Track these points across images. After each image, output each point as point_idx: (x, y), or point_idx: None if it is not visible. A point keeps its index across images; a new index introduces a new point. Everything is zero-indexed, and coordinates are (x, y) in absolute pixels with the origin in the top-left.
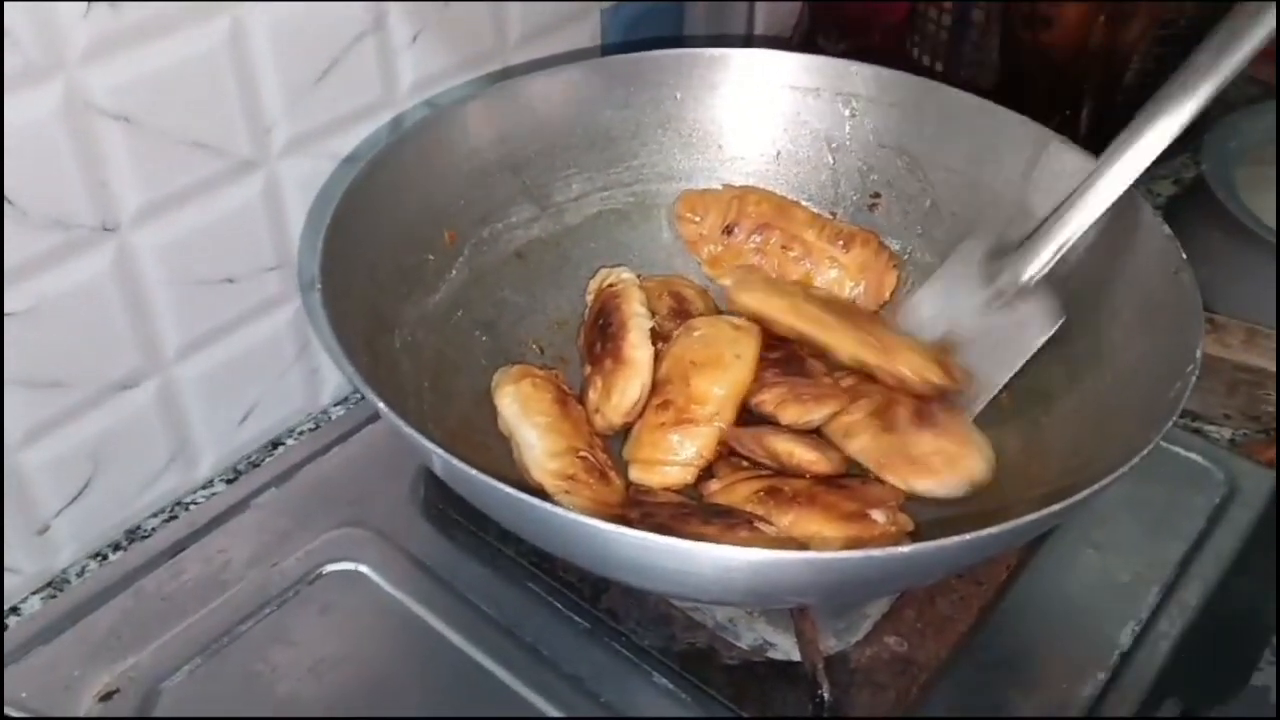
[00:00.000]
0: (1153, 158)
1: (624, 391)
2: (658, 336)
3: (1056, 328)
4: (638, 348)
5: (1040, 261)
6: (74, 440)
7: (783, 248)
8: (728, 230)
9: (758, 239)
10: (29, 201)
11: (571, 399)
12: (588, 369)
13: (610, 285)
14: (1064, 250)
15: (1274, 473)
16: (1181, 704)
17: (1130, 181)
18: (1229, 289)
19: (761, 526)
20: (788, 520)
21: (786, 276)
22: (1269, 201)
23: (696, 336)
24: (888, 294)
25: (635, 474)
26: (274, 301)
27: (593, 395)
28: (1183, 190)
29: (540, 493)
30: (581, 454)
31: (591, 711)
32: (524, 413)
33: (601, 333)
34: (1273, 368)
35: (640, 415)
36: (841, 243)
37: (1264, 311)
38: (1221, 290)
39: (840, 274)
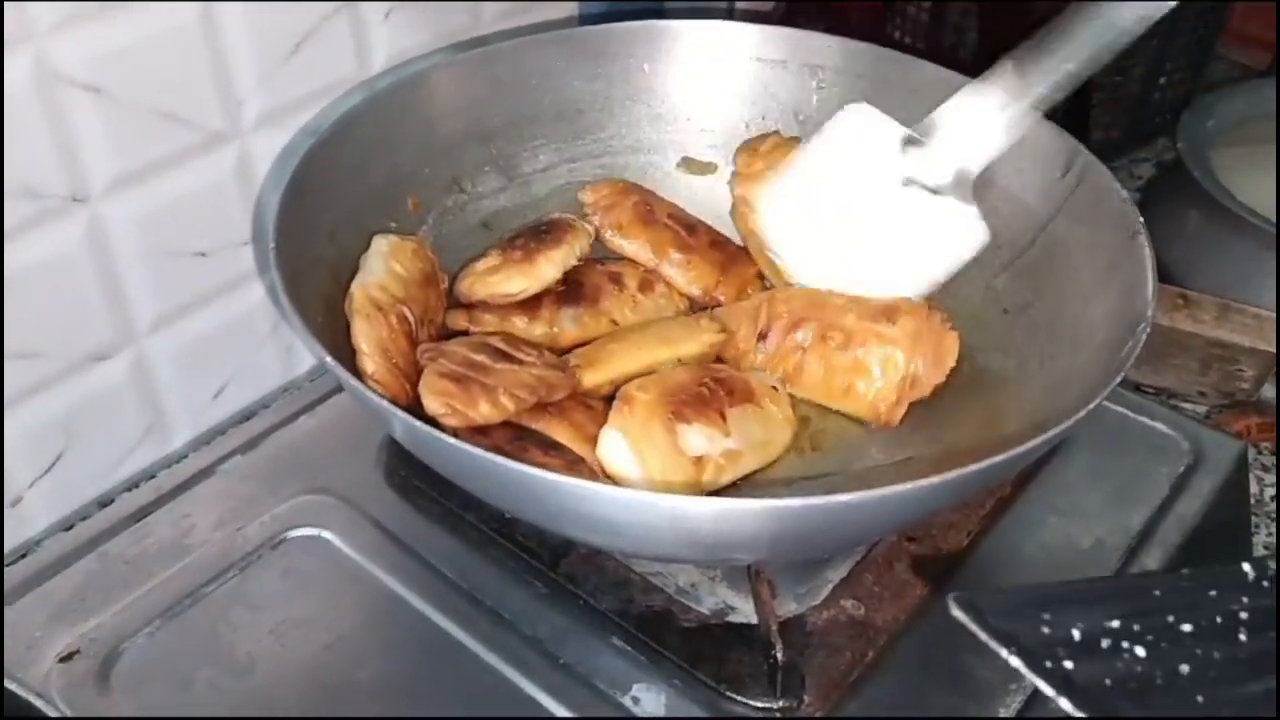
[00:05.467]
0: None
1: (507, 279)
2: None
3: (982, 246)
4: (551, 263)
5: (984, 152)
6: (46, 412)
7: (822, 338)
8: (761, 337)
9: (796, 338)
10: None
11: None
12: (495, 250)
13: (573, 218)
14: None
15: (1240, 442)
16: None
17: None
18: (1207, 268)
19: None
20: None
21: (835, 370)
22: (1246, 181)
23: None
24: (951, 360)
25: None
26: (248, 276)
27: (480, 264)
28: (1162, 171)
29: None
30: (404, 319)
31: (550, 672)
32: (390, 254)
33: (534, 233)
34: (1245, 342)
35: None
36: (885, 317)
37: (1242, 289)
38: (1200, 269)
39: (893, 350)
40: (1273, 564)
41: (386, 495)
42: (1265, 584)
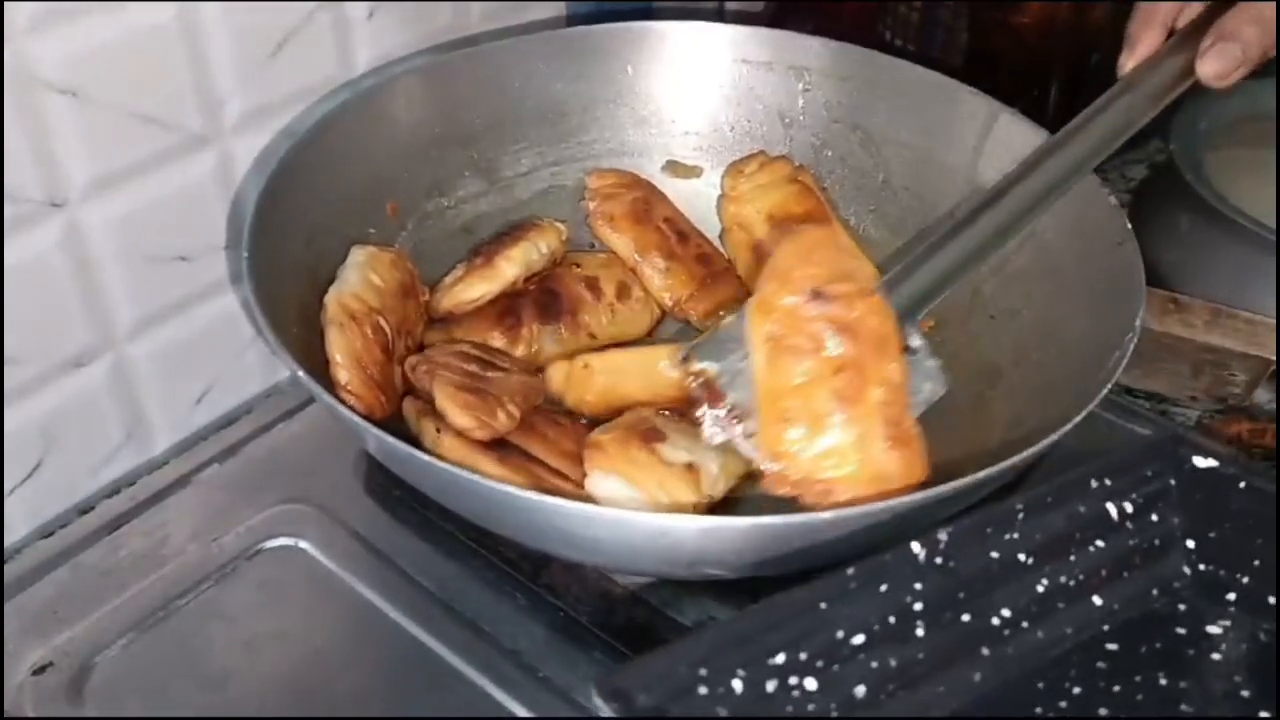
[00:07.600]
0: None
1: (468, 286)
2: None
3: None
4: (510, 261)
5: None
6: (25, 418)
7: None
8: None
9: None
10: None
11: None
12: (462, 263)
13: (541, 218)
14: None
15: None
16: None
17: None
18: (1200, 272)
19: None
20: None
21: None
22: (1240, 184)
23: None
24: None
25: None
26: (229, 280)
27: (448, 278)
28: (1154, 173)
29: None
30: (379, 330)
31: (530, 686)
32: (367, 264)
33: (495, 238)
34: (1237, 347)
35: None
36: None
37: (1236, 293)
38: (1192, 273)
39: None
40: (942, 535)
41: (365, 504)
42: (939, 560)
